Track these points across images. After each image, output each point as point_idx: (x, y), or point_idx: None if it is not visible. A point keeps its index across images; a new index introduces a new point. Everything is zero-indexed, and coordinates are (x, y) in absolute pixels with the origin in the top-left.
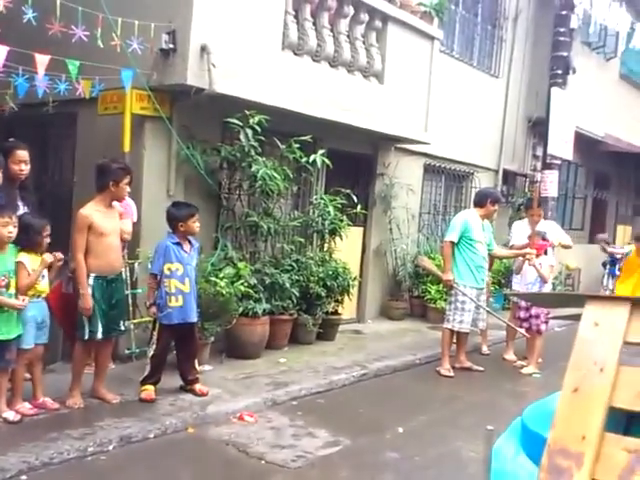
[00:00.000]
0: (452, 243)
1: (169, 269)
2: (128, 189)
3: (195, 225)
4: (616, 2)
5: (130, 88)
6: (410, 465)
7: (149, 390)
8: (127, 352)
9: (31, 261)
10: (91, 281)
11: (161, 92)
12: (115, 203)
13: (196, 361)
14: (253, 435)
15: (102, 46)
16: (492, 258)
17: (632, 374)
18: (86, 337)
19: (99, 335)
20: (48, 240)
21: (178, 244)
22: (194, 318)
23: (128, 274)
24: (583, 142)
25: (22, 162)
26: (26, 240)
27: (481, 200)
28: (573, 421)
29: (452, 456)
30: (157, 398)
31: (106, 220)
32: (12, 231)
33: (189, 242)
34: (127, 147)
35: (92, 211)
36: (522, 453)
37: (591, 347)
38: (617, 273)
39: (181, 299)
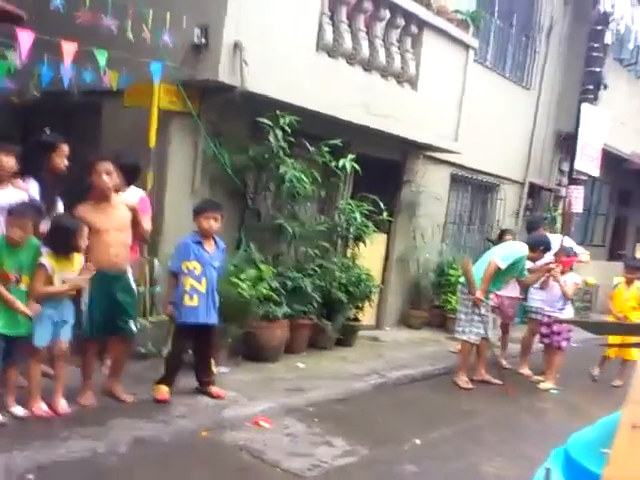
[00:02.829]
0: (498, 268)
1: (187, 267)
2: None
3: (208, 222)
4: None
5: (158, 82)
6: (428, 479)
7: (163, 390)
8: (142, 351)
9: (58, 265)
10: None
11: (190, 88)
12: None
13: (213, 363)
14: (269, 441)
15: (132, 38)
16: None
17: None
18: (84, 334)
19: (94, 332)
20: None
21: (199, 243)
22: (211, 320)
23: (147, 271)
24: (609, 159)
25: (65, 156)
26: (57, 243)
27: (535, 245)
28: (631, 460)
29: (470, 472)
30: (171, 399)
31: (102, 216)
32: (22, 235)
33: (215, 242)
34: (153, 142)
35: (88, 208)
36: None
37: None
38: None
39: (196, 299)
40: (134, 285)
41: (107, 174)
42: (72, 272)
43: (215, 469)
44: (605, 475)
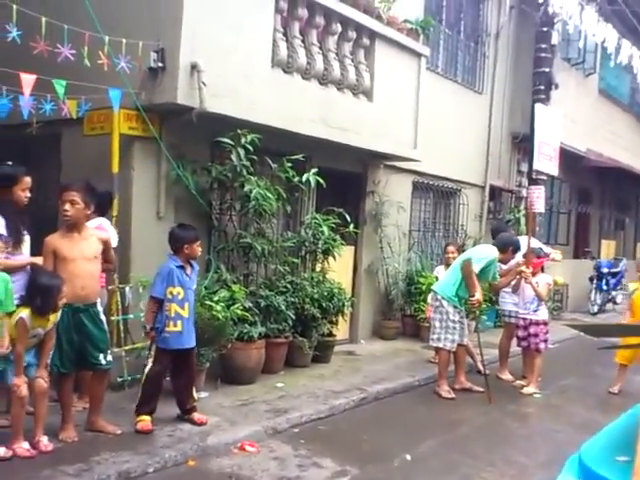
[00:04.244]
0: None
1: (171, 293)
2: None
3: (199, 249)
4: (601, 16)
5: (118, 108)
6: None
7: (145, 421)
8: (119, 380)
9: (34, 321)
10: None
11: (149, 111)
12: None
13: (194, 389)
14: (256, 466)
15: (89, 65)
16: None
17: None
18: (53, 370)
19: (65, 367)
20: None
21: (181, 267)
22: (192, 344)
23: (119, 299)
24: (566, 157)
25: (28, 189)
26: (37, 303)
27: (505, 246)
28: None
29: None
30: (154, 429)
31: (70, 245)
32: None
33: (190, 265)
34: (116, 168)
35: (57, 236)
36: None
37: None
38: (604, 287)
39: (180, 324)
40: (103, 317)
41: (71, 203)
42: (45, 329)
43: None
44: None
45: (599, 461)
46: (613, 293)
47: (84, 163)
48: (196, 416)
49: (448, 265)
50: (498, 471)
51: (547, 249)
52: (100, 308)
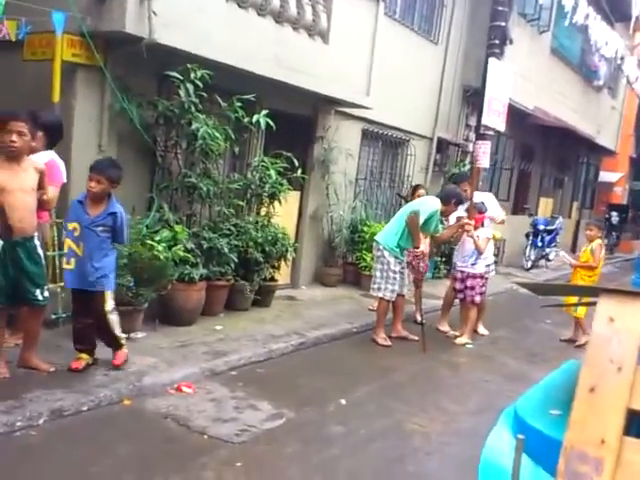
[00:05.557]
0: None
1: (68, 228)
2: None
3: (88, 182)
4: None
5: (61, 32)
6: (356, 438)
7: (79, 360)
8: (53, 317)
9: None
10: None
11: (95, 38)
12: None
13: (117, 333)
14: (193, 407)
15: None
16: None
17: None
18: None
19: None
20: None
21: (81, 202)
22: (92, 287)
23: (55, 234)
24: (513, 114)
25: None
26: None
27: (448, 198)
28: (591, 423)
29: (396, 429)
30: (87, 367)
31: (9, 176)
32: None
33: (106, 205)
34: (56, 97)
35: None
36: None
37: (607, 344)
38: (539, 244)
39: (73, 262)
40: (41, 251)
41: (18, 134)
42: None
43: (140, 439)
44: (567, 439)
45: (533, 414)
46: (547, 250)
47: (23, 90)
48: (115, 356)
49: None
50: (429, 417)
51: (497, 209)
52: (37, 242)
